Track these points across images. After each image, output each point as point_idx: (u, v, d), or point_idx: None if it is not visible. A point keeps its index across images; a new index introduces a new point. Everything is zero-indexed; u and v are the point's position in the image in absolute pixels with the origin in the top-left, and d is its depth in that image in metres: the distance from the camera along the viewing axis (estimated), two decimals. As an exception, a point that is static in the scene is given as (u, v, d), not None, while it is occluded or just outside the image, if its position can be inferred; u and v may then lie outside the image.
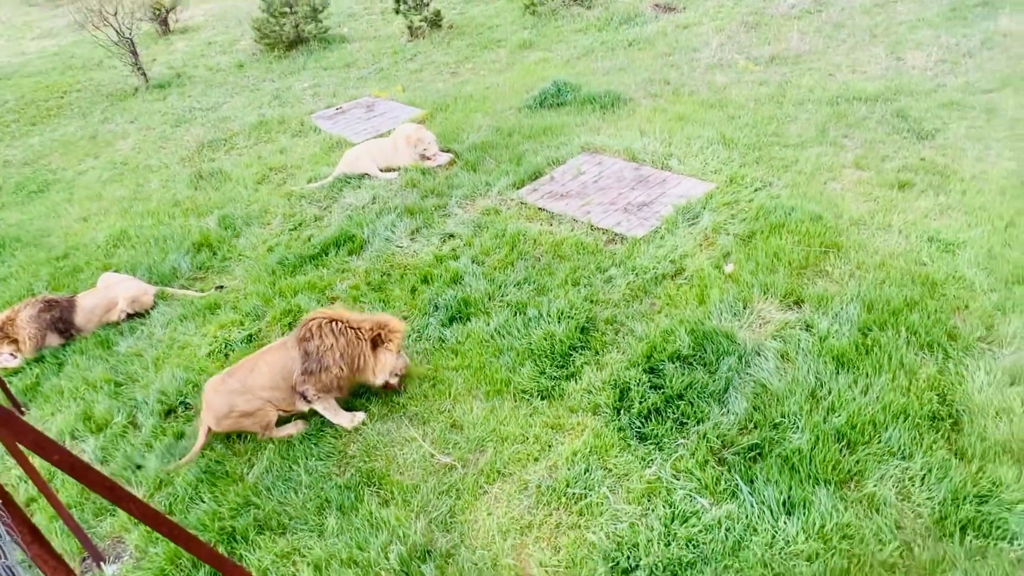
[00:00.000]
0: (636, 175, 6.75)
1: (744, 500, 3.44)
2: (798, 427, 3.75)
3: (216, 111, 11.43)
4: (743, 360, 4.26)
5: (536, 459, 3.91)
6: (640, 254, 5.47)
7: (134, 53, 13.27)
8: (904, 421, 3.69)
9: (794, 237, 5.28)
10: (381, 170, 7.71)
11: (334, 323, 4.18)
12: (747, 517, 3.37)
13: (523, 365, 4.53)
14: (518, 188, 6.85)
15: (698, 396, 4.04)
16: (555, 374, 4.43)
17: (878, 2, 10.80)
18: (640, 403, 4.04)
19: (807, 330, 4.45)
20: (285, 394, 4.24)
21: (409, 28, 13.28)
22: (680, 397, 4.05)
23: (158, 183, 8.83)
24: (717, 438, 3.79)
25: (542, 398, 4.30)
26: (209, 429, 4.25)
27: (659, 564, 3.22)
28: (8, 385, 5.18)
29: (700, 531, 3.34)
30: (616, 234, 5.85)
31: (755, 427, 3.83)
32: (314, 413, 4.39)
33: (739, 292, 4.84)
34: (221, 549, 3.67)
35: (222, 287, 6.19)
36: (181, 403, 4.80)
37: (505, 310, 5.09)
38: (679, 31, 11.18)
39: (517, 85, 9.89)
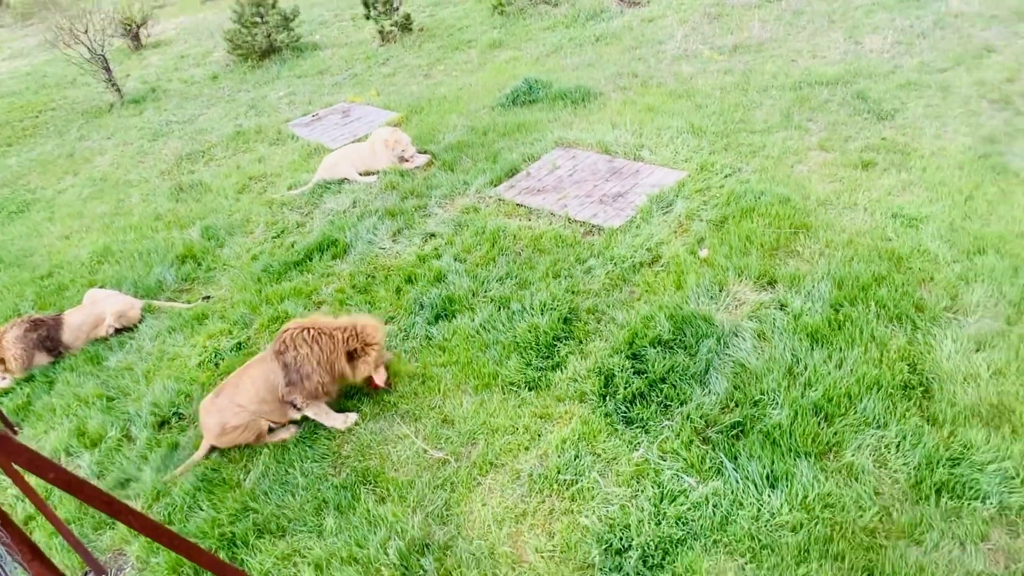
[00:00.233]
0: (610, 167, 6.77)
1: (729, 476, 3.48)
2: (777, 403, 3.80)
3: (193, 123, 11.27)
4: (722, 341, 4.30)
5: (527, 448, 3.93)
6: (617, 244, 5.49)
7: (107, 69, 13.04)
8: (878, 392, 3.75)
9: (765, 220, 5.33)
10: (360, 174, 7.65)
11: (307, 332, 4.15)
12: (733, 493, 3.41)
13: (509, 358, 4.54)
14: (495, 185, 6.84)
15: (680, 379, 4.08)
16: (541, 365, 4.45)
17: (834, -12, 10.89)
18: (625, 388, 4.06)
19: (781, 309, 4.50)
20: (273, 406, 4.22)
21: (380, 33, 13.17)
22: (663, 380, 4.08)
23: (139, 197, 8.70)
24: (700, 418, 3.83)
25: (529, 389, 4.31)
26: (212, 446, 4.25)
27: (651, 543, 3.25)
28: (-1, 406, 5.10)
29: (688, 509, 3.38)
30: (593, 225, 5.87)
31: (736, 405, 3.87)
32: (307, 418, 4.37)
33: (715, 276, 4.88)
34: (222, 555, 3.64)
35: (209, 297, 6.12)
36: (174, 414, 4.75)
37: (489, 305, 5.09)
38: (644, 24, 11.21)
39: (489, 84, 9.86)
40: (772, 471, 3.45)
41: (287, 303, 5.61)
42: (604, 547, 3.30)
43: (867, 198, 5.49)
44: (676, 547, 3.23)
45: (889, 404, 3.70)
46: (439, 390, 4.45)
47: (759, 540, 3.19)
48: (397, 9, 13.09)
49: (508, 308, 5.00)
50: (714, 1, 11.46)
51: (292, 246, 6.57)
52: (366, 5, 13.04)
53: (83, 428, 4.79)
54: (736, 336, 4.34)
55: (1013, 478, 3.23)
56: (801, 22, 9.83)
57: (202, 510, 3.92)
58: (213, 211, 7.71)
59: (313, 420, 4.35)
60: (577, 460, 3.75)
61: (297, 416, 4.35)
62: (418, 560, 3.41)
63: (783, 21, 9.98)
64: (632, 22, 11.42)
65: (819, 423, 3.66)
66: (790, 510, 3.27)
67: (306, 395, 4.18)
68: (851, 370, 3.91)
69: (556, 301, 4.93)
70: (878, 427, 3.60)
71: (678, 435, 3.75)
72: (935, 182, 5.53)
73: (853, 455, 3.49)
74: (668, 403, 3.97)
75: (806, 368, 3.99)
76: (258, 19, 13.51)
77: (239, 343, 5.30)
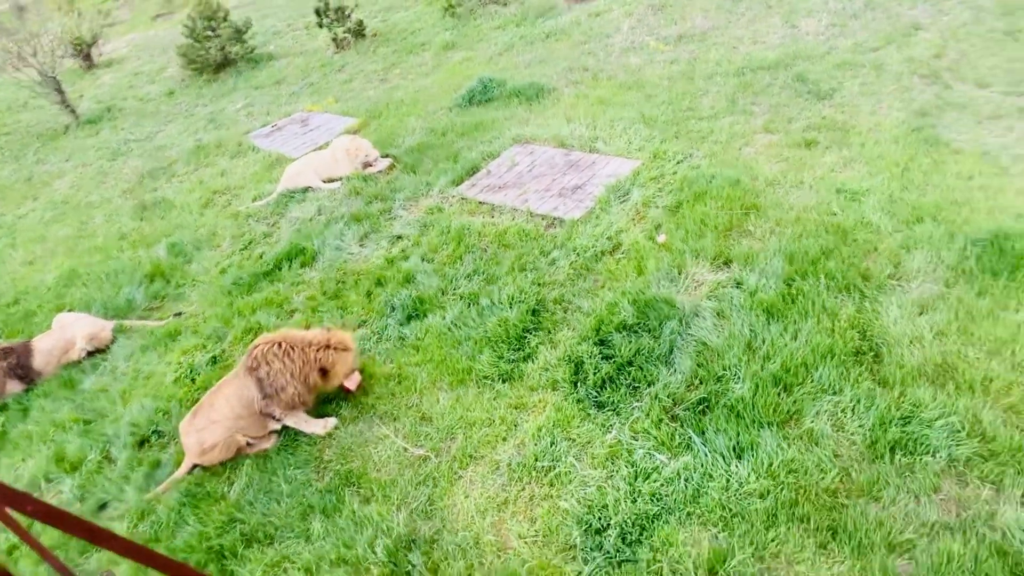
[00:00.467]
0: (567, 160, 6.80)
1: (698, 451, 3.55)
2: (739, 377, 3.88)
3: (152, 140, 10.99)
4: (683, 322, 4.37)
5: (504, 439, 3.95)
6: (579, 235, 5.53)
7: (60, 91, 12.61)
8: (831, 359, 3.86)
9: (717, 203, 5.41)
10: (323, 181, 7.56)
11: (278, 347, 4.10)
12: (702, 466, 3.48)
13: (482, 352, 4.55)
14: (457, 185, 6.82)
15: (646, 361, 4.14)
16: (513, 357, 4.47)
17: (770, -25, 11.05)
18: (594, 374, 4.11)
19: (738, 287, 4.59)
20: (251, 421, 4.16)
21: (334, 40, 12.98)
22: (630, 364, 4.14)
23: (102, 218, 8.46)
24: (668, 397, 3.89)
25: (503, 381, 4.33)
26: (194, 464, 4.19)
27: (628, 520, 3.30)
28: (-27, 438, 4.93)
29: (662, 485, 3.44)
30: (555, 218, 5.90)
31: (701, 383, 3.95)
32: (288, 427, 4.32)
33: (673, 260, 4.95)
34: (211, 568, 3.60)
35: (180, 314, 6.00)
36: (154, 432, 4.66)
37: (459, 303, 5.09)
38: (592, 19, 11.23)
39: (445, 85, 9.81)
40: (738, 442, 3.53)
41: (259, 314, 5.53)
42: (584, 528, 3.34)
43: (812, 176, 5.62)
44: (652, 522, 3.29)
45: (843, 370, 3.81)
46: (415, 389, 4.44)
47: (729, 509, 3.27)
48: (349, 16, 12.90)
49: (477, 304, 5.00)
50: (657, -7, 11.54)
51: (260, 257, 6.47)
52: (318, 13, 12.82)
53: (62, 453, 4.67)
54: (697, 316, 4.41)
55: (959, 431, 3.36)
56: (740, 9, 9.96)
57: (188, 525, 3.86)
58: (179, 227, 7.54)
59: (293, 429, 4.31)
60: (553, 446, 3.79)
61: (277, 427, 4.30)
62: (406, 556, 3.42)
63: (724, 9, 10.11)
64: (580, 17, 11.44)
65: (779, 394, 3.75)
66: (757, 478, 3.36)
67: (283, 407, 4.14)
68: (806, 341, 4.01)
69: (523, 294, 4.95)
70: (834, 393, 3.71)
71: (647, 415, 3.81)
72: (873, 156, 5.69)
73: (812, 421, 3.58)
74: (636, 385, 4.02)
75: (764, 342, 4.08)
76: (210, 33, 13.19)
77: (214, 357, 5.21)
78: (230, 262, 6.55)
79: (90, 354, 5.67)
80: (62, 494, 4.42)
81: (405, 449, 4.04)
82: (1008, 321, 3.90)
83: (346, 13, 12.84)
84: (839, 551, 3.02)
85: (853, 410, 3.60)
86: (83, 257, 7.45)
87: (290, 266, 6.17)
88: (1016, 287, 4.11)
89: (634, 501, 3.40)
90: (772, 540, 3.11)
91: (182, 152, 9.95)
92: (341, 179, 7.51)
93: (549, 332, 4.63)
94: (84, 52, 16.47)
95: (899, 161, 5.53)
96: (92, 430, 4.83)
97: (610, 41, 9.98)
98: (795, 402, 3.70)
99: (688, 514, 3.30)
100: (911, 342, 3.90)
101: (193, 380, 5.03)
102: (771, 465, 3.39)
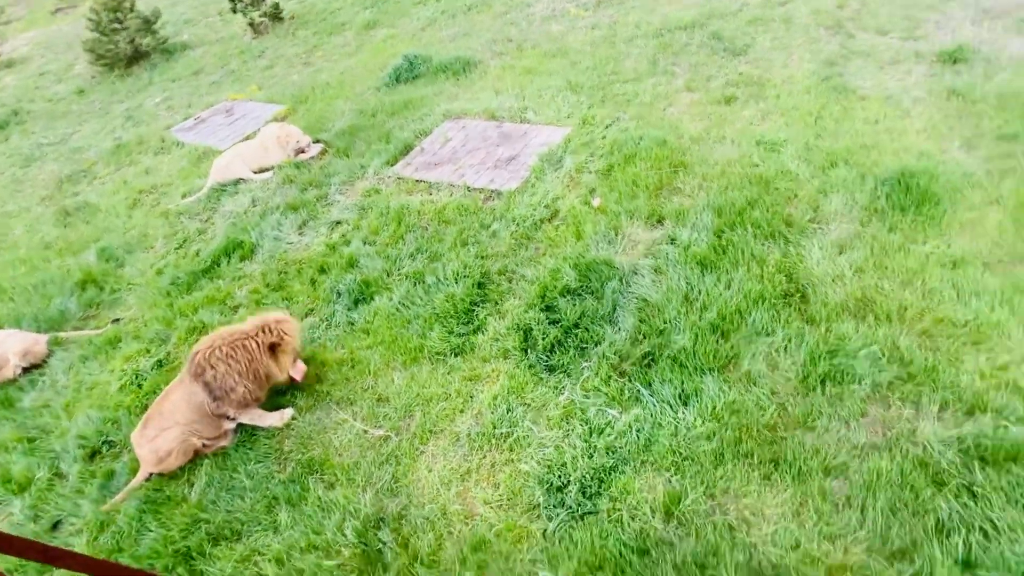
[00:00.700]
0: (499, 132, 6.74)
1: (646, 402, 3.66)
2: (679, 329, 3.99)
3: (67, 143, 10.30)
4: (624, 281, 4.45)
5: (462, 411, 3.97)
6: (517, 205, 5.52)
7: (-42, 97, 11.64)
8: (763, 304, 4.01)
9: (647, 163, 5.48)
10: (254, 172, 7.27)
11: (219, 349, 3.95)
12: (652, 416, 3.58)
13: (432, 329, 4.53)
14: (392, 165, 6.69)
15: (592, 322, 4.20)
16: (463, 331, 4.46)
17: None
18: (543, 340, 4.15)
19: (672, 243, 4.69)
20: (204, 423, 4.02)
21: (251, 25, 12.37)
22: (576, 326, 4.20)
23: (22, 229, 7.92)
24: (615, 354, 3.97)
25: (455, 355, 4.32)
26: (151, 474, 4.04)
27: (587, 475, 3.39)
28: (-92, 469, 4.61)
29: (615, 438, 3.53)
30: (492, 191, 5.86)
31: (644, 338, 4.04)
32: (244, 424, 4.22)
33: (609, 222, 5.01)
34: (180, 570, 3.51)
35: (119, 320, 5.72)
36: (104, 443, 4.46)
37: (405, 282, 5.03)
38: (511, -11, 11.05)
39: (370, 65, 9.52)
40: (683, 390, 3.65)
41: (202, 312, 5.33)
42: (546, 487, 3.41)
43: (733, 130, 5.75)
44: (609, 474, 3.38)
45: (774, 313, 3.96)
46: (369, 371, 4.39)
47: (680, 453, 3.39)
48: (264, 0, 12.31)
49: (423, 282, 4.96)
50: (573, -41, 11.42)
51: (197, 254, 6.21)
52: (231, -2, 12.18)
53: (7, 475, 4.43)
54: (636, 274, 4.49)
55: (880, 359, 3.56)
56: (655, -29, 9.97)
57: (151, 531, 3.74)
58: (106, 231, 7.15)
59: (250, 425, 4.21)
60: (510, 413, 3.83)
61: (232, 426, 4.19)
62: (375, 534, 3.42)
63: (639, -28, 10.10)
64: (499, -12, 11.24)
65: (717, 341, 3.89)
66: (703, 422, 3.49)
67: (236, 406, 4.03)
68: (738, 289, 4.15)
69: (468, 268, 4.93)
70: (767, 335, 3.86)
71: (597, 373, 3.89)
72: (788, 108, 5.85)
73: (749, 363, 3.73)
74: (584, 346, 4.09)
75: (700, 293, 4.20)
76: (117, 25, 12.35)
77: (159, 360, 5.01)
78: (166, 262, 6.27)
79: (26, 370, 5.35)
80: (12, 516, 4.20)
81: (365, 431, 4.01)
82: (917, 253, 4.13)
83: (260, -4, 12.23)
84: (781, 481, 3.19)
85: (786, 349, 3.76)
86: (6, 271, 6.98)
87: (229, 261, 5.95)
88: (923, 221, 4.34)
89: (591, 456, 3.48)
90: (721, 478, 3.25)
91: (101, 153, 9.37)
92: (273, 168, 7.24)
93: (496, 303, 4.64)
94: (-20, 54, 15.21)
95: (812, 110, 5.72)
96: (38, 447, 4.59)
97: (531, 10, 9.86)
98: (732, 347, 3.83)
99: (642, 462, 3.41)
100: (833, 280, 4.09)
101: (140, 386, 4.82)
102: (715, 408, 3.52)
